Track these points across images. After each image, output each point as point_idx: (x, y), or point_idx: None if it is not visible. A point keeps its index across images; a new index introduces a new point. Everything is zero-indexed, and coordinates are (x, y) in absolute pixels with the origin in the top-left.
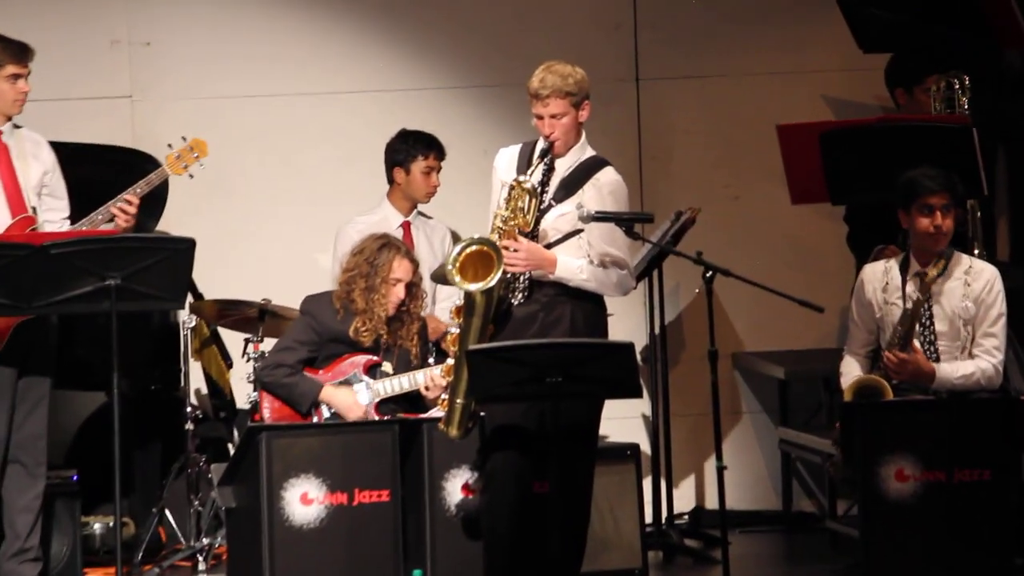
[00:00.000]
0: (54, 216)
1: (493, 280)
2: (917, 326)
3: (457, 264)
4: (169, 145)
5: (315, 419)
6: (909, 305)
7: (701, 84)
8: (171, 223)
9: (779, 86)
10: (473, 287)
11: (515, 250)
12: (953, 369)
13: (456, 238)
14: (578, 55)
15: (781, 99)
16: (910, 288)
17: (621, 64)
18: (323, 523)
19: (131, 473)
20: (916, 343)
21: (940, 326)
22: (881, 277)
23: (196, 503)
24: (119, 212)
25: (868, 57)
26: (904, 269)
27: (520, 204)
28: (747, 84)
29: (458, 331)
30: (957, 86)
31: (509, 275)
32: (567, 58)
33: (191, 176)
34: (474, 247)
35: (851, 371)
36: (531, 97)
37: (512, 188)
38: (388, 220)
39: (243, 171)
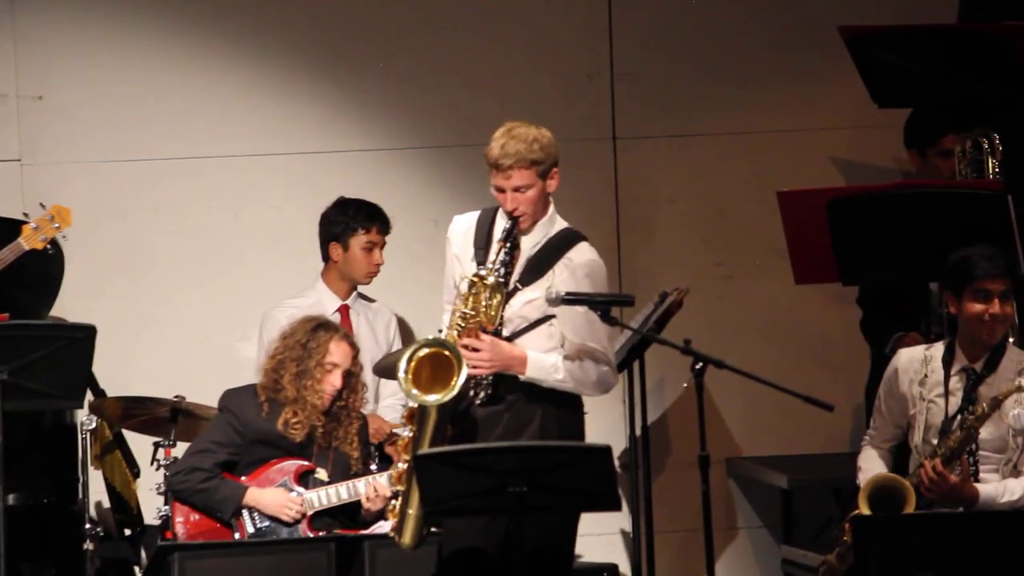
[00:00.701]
0: None
1: (454, 391)
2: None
3: (410, 371)
4: (25, 215)
5: (236, 534)
6: (951, 405)
7: (688, 144)
8: (67, 308)
9: (780, 146)
10: (431, 400)
11: (478, 350)
12: (998, 491)
13: (404, 329)
14: (544, 110)
15: (782, 161)
16: (954, 382)
17: (595, 120)
18: None
19: None
20: (966, 461)
21: (984, 433)
22: (919, 368)
23: None
24: None
25: (884, 113)
26: (948, 362)
27: (483, 299)
28: (742, 144)
29: (410, 435)
30: (985, 146)
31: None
32: (531, 115)
33: (49, 249)
34: (428, 350)
35: (871, 467)
36: (490, 167)
37: (473, 284)
38: (323, 303)
39: (151, 247)
